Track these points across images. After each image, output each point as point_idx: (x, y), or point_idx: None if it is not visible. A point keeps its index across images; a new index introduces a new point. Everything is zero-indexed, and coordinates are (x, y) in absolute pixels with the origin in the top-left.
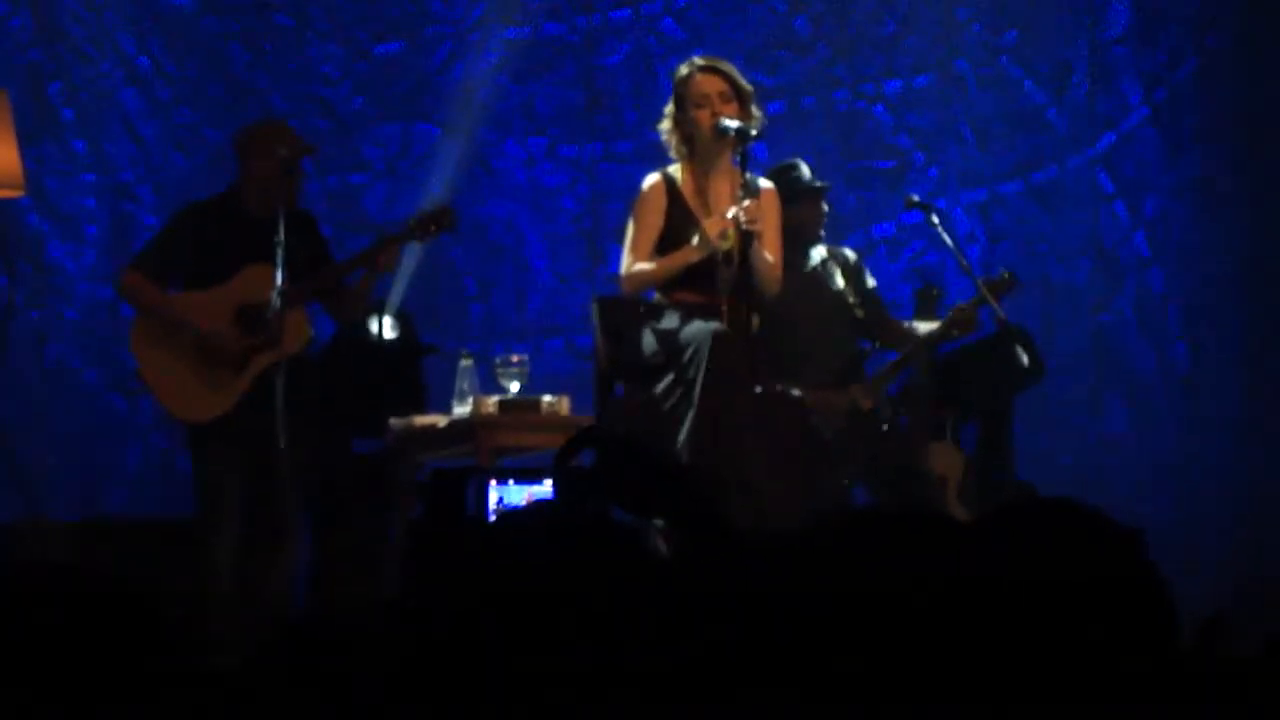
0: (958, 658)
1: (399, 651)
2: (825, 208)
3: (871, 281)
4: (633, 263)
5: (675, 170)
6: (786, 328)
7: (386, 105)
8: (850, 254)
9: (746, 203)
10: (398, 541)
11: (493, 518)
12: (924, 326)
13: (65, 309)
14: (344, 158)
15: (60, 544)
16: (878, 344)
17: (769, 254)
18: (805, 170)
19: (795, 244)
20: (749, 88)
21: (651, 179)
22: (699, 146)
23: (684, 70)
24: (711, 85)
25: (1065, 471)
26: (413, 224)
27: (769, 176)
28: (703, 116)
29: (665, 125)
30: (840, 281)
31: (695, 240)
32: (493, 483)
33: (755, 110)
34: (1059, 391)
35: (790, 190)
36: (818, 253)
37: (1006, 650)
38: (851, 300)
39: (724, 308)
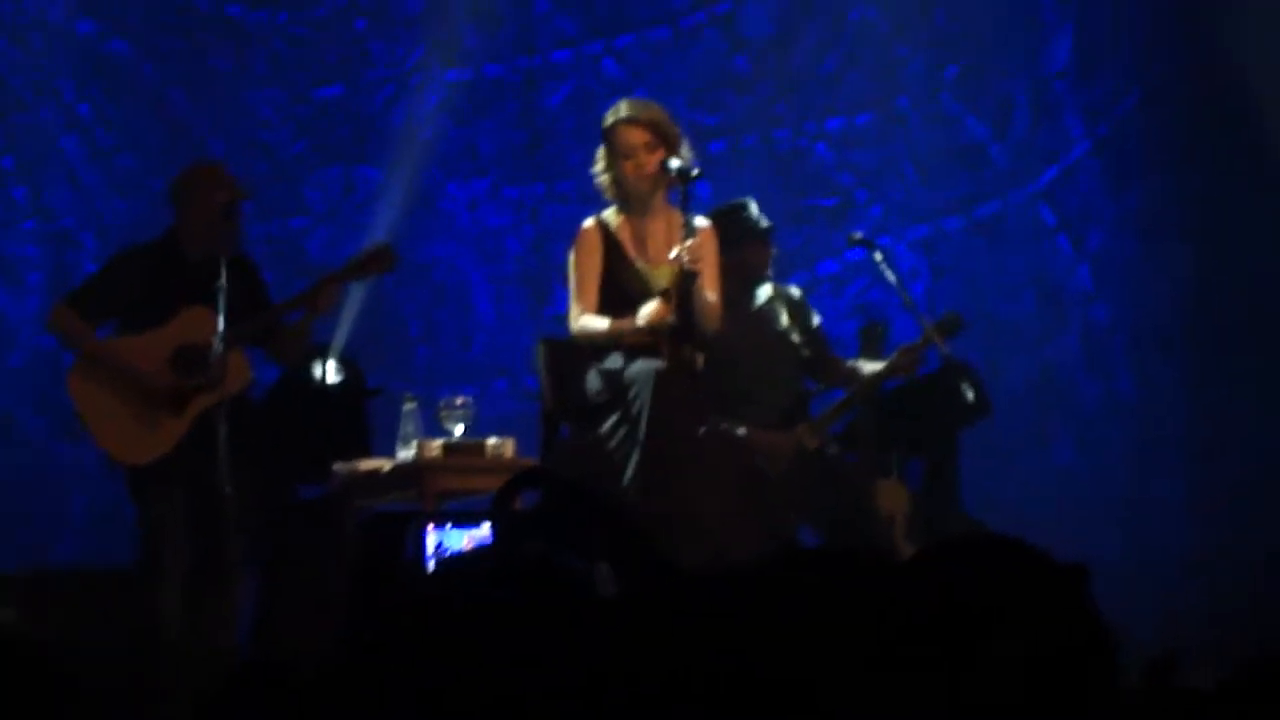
0: (896, 693)
1: (342, 699)
2: (773, 249)
3: (816, 320)
4: (579, 314)
5: (609, 214)
6: (732, 367)
7: (328, 149)
8: (795, 292)
9: (689, 242)
10: (341, 588)
11: (431, 562)
12: (868, 366)
13: (8, 357)
14: (286, 202)
15: (4, 596)
16: (822, 384)
17: (710, 293)
18: (754, 210)
19: (742, 283)
20: (675, 130)
21: (585, 225)
22: (630, 194)
23: (609, 120)
24: (636, 138)
25: (1013, 506)
26: (352, 264)
27: (718, 214)
28: (629, 168)
29: (598, 169)
30: (785, 320)
31: (640, 314)
32: (431, 527)
33: (685, 150)
34: (1006, 426)
35: (739, 230)
36: (764, 291)
37: (942, 685)
38: (796, 339)
39: (665, 348)
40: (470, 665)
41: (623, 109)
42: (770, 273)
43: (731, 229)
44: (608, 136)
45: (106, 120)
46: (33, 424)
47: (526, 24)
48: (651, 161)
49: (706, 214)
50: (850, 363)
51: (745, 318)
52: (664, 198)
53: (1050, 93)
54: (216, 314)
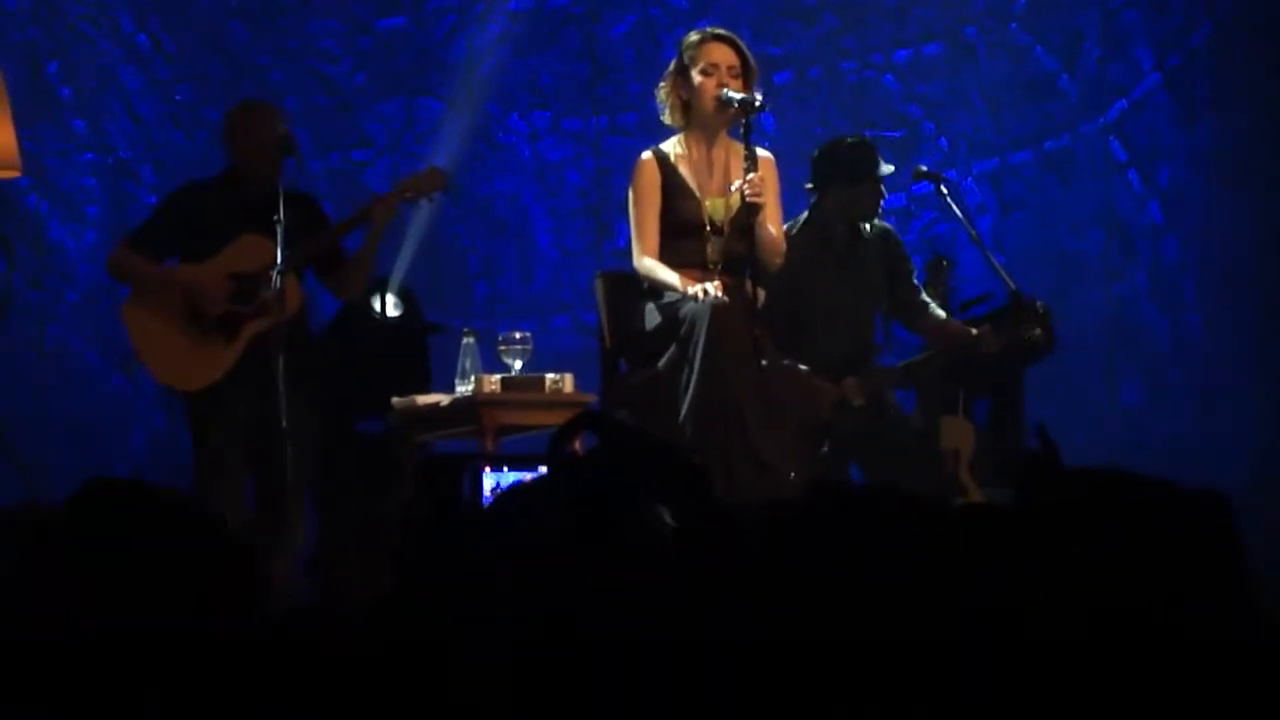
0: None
1: (390, 641)
2: (885, 194)
3: (908, 264)
4: (641, 252)
5: (669, 144)
6: (806, 302)
7: (389, 81)
8: (890, 232)
9: (751, 175)
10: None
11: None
12: (954, 326)
13: (66, 290)
14: (347, 134)
15: (59, 528)
16: (909, 329)
17: (771, 226)
18: (877, 154)
19: (846, 222)
20: (756, 66)
21: (643, 158)
22: (696, 115)
23: (695, 36)
24: (723, 56)
25: (1080, 444)
26: (403, 185)
27: (846, 145)
28: (707, 85)
29: (664, 87)
30: (876, 265)
31: (698, 291)
32: (487, 469)
33: (758, 91)
34: (1073, 363)
35: (861, 167)
36: (864, 231)
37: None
38: (882, 284)
39: (719, 282)
40: (521, 603)
41: (712, 28)
42: (879, 216)
43: (855, 164)
44: (690, 51)
45: (165, 52)
46: (91, 357)
47: None
48: (732, 86)
49: (837, 139)
50: (942, 318)
51: (835, 257)
52: (727, 130)
53: (1120, 24)
54: (274, 244)
